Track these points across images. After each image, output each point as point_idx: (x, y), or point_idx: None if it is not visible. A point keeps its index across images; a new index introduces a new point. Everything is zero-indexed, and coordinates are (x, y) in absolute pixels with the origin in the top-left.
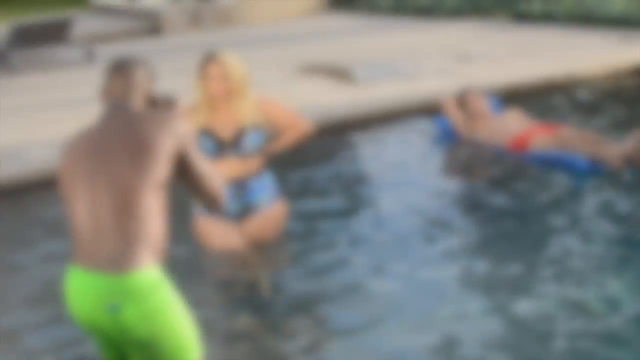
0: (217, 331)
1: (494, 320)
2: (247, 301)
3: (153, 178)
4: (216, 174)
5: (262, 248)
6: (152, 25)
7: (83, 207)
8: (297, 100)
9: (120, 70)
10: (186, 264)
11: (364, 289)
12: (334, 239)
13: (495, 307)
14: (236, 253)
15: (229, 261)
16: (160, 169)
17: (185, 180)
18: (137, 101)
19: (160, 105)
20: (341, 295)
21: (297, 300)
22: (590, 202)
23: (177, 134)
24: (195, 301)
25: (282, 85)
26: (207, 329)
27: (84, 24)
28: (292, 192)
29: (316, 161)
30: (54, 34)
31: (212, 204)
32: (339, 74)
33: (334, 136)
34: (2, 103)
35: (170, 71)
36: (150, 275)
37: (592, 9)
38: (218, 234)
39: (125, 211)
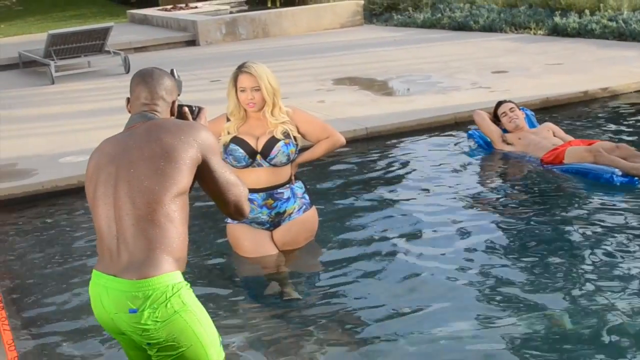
0: (245, 337)
1: (526, 328)
2: (276, 308)
3: (175, 186)
4: (239, 182)
5: (293, 255)
6: (189, 36)
7: (106, 213)
8: (331, 111)
9: (146, 79)
10: (219, 270)
11: (395, 296)
12: (367, 246)
13: (527, 316)
14: (267, 260)
15: (260, 268)
16: (183, 177)
17: (208, 188)
18: (162, 110)
19: (186, 114)
20: (372, 303)
21: (326, 307)
22: (624, 214)
23: (200, 143)
24: (224, 306)
25: (318, 96)
26: (234, 334)
27: (121, 34)
28: (327, 200)
29: (351, 170)
30: (92, 42)
31: (234, 213)
32: (374, 85)
33: (370, 147)
34: (39, 111)
35: (205, 80)
36: (171, 281)
37: (627, 23)
38: (250, 240)
39: (146, 218)
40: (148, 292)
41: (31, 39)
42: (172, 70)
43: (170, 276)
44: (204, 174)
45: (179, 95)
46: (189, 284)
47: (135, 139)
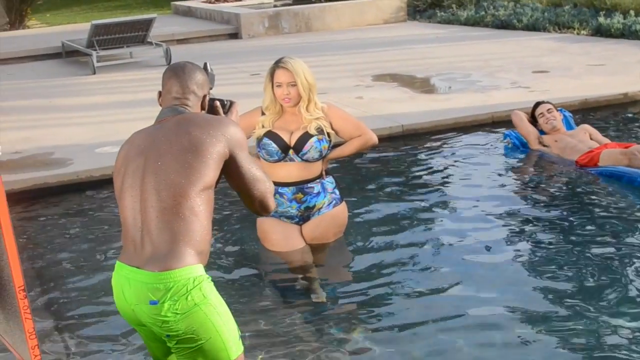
0: (265, 332)
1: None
2: (301, 304)
3: (201, 180)
4: (265, 178)
5: (321, 251)
6: (232, 29)
7: (132, 205)
8: (369, 108)
9: (177, 73)
10: (246, 263)
11: (424, 298)
12: (397, 244)
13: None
14: (295, 255)
15: (288, 262)
16: (209, 171)
17: (234, 183)
18: (193, 104)
19: (217, 108)
20: (401, 300)
21: (351, 305)
22: None
23: (229, 138)
24: (247, 299)
25: (356, 92)
26: (255, 328)
27: (165, 26)
28: (359, 196)
29: (385, 167)
30: (135, 33)
31: (259, 208)
32: (413, 83)
33: (406, 144)
34: (78, 101)
35: (245, 74)
36: (192, 274)
37: None
38: (279, 234)
39: (171, 210)
40: (169, 284)
41: (75, 28)
42: (205, 64)
43: (192, 269)
44: (230, 169)
45: (211, 88)
46: (210, 278)
47: (164, 132)
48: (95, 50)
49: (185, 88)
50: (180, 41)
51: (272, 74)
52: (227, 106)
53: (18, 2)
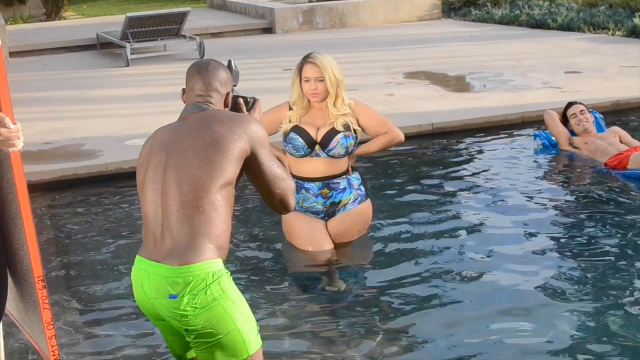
0: (285, 327)
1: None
2: (322, 301)
3: (223, 176)
4: (286, 177)
5: (346, 248)
6: (266, 24)
7: (153, 199)
8: (399, 105)
9: (201, 71)
10: (269, 257)
11: (447, 291)
12: (423, 244)
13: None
14: (319, 250)
15: (312, 259)
16: (231, 168)
17: (255, 181)
18: (216, 102)
19: (240, 105)
20: (420, 300)
21: (372, 305)
22: None
23: (251, 135)
24: (268, 295)
25: (387, 89)
26: (275, 323)
27: (200, 19)
28: (385, 194)
29: (413, 165)
30: (169, 27)
31: (279, 207)
32: (445, 81)
33: (436, 143)
34: (111, 92)
35: (278, 69)
36: (212, 268)
37: None
38: (304, 229)
39: (192, 204)
40: (189, 279)
41: (111, 20)
42: (229, 62)
43: (211, 264)
44: (252, 167)
45: (235, 86)
46: (229, 273)
47: (187, 128)
48: (130, 42)
49: (209, 86)
50: (215, 35)
51: (300, 69)
52: (251, 104)
53: None
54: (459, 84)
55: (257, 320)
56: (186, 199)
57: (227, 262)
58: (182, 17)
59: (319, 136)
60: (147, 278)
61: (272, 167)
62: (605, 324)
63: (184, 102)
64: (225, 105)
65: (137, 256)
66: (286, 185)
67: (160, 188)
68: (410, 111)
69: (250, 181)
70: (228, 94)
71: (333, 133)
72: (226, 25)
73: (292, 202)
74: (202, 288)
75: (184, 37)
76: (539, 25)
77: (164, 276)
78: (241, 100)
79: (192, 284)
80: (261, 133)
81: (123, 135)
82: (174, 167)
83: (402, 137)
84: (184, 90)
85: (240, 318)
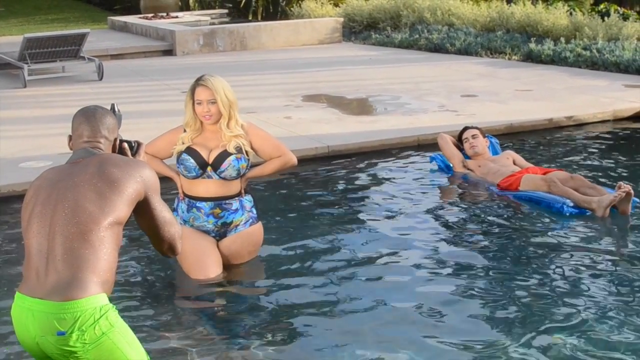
0: (179, 350)
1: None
2: (217, 323)
3: (115, 213)
4: (175, 222)
5: (236, 271)
6: (167, 45)
7: (38, 230)
8: (296, 128)
9: (89, 119)
10: (159, 283)
11: (345, 317)
12: (314, 265)
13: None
14: (209, 277)
15: (201, 281)
16: (124, 207)
17: (145, 224)
18: (105, 148)
19: (125, 150)
20: (310, 318)
21: (259, 319)
22: (571, 237)
23: (145, 180)
24: (161, 322)
25: (285, 112)
26: (168, 346)
27: (100, 41)
28: (279, 217)
29: (308, 188)
30: (68, 48)
31: (167, 250)
32: (342, 104)
33: (332, 165)
34: (7, 114)
35: (176, 91)
36: (98, 303)
37: (600, 53)
38: (193, 258)
39: (81, 237)
40: (76, 314)
41: (10, 40)
42: (112, 105)
43: (97, 298)
44: (143, 210)
45: (118, 129)
46: (115, 307)
47: (81, 167)
48: (27, 63)
49: (97, 132)
50: (114, 56)
51: (192, 91)
52: (135, 148)
53: None
54: (357, 107)
55: (147, 350)
56: (75, 230)
57: (116, 285)
58: (81, 38)
59: (210, 158)
60: (31, 316)
61: (163, 211)
62: (495, 344)
63: (71, 149)
64: (113, 150)
65: (18, 293)
66: (175, 230)
67: (48, 220)
68: (307, 134)
69: (139, 224)
70: (116, 139)
71: (225, 155)
72: (126, 46)
73: (179, 245)
74: (91, 323)
75: (83, 58)
76: (438, 49)
77: (50, 312)
78: (125, 145)
79: (79, 320)
80: (154, 179)
81: (17, 157)
82: (66, 200)
83: (294, 161)
84: (70, 137)
85: (130, 351)
